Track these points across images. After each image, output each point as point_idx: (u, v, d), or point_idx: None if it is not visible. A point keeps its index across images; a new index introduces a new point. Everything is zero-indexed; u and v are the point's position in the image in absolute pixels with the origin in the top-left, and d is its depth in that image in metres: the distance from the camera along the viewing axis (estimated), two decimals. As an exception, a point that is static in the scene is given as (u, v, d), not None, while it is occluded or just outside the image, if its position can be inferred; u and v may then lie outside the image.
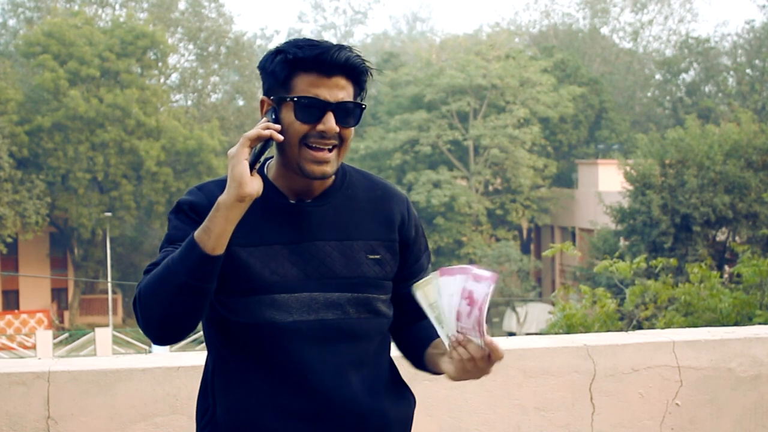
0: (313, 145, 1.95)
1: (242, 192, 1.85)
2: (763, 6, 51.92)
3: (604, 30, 52.82)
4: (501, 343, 3.39)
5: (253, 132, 1.89)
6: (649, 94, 48.52)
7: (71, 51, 36.06)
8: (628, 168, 26.59)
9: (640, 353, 3.37)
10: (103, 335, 27.13)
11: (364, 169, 2.19)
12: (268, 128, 1.90)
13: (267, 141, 1.91)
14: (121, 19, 39.64)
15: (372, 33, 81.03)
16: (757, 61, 43.54)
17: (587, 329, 8.40)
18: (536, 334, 19.96)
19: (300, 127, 1.94)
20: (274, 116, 1.95)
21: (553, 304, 9.86)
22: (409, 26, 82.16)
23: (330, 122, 1.94)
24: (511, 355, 3.28)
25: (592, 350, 3.34)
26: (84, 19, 38.53)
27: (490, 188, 39.28)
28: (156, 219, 37.77)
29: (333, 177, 2.06)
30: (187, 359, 3.12)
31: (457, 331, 1.89)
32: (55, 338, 28.56)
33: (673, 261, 10.24)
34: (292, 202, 2.02)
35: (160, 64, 39.76)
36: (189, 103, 43.07)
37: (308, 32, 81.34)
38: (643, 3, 53.32)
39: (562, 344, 3.38)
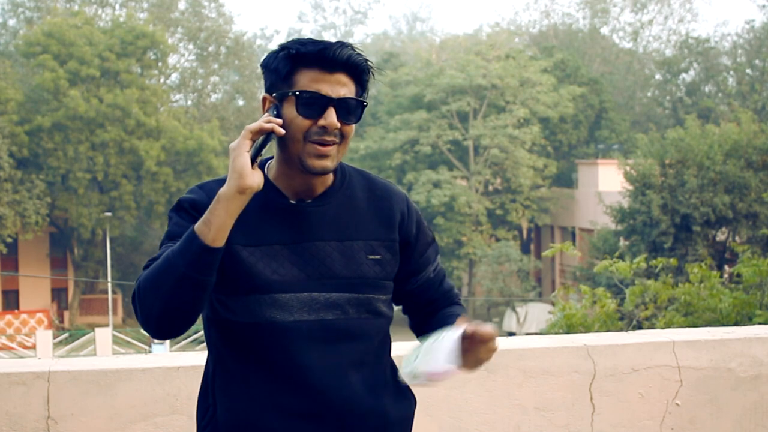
0: (315, 141, 1.95)
1: (243, 184, 1.85)
2: (763, 6, 51.94)
3: (604, 30, 52.84)
4: (501, 343, 3.39)
5: (255, 125, 1.89)
6: (649, 94, 48.53)
7: (71, 51, 36.07)
8: (628, 168, 26.59)
9: (640, 353, 3.37)
10: (103, 335, 27.14)
11: (364, 169, 2.19)
12: (270, 122, 1.91)
13: (268, 135, 1.91)
14: (121, 19, 39.65)
15: (372, 33, 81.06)
16: (757, 61, 43.55)
17: (587, 329, 8.40)
18: (536, 334, 19.96)
19: (302, 122, 1.94)
20: (275, 112, 1.96)
21: (553, 304, 9.86)
22: (409, 26, 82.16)
23: (332, 117, 1.94)
24: (511, 355, 3.28)
25: (592, 350, 3.34)
26: (84, 19, 38.53)
27: (490, 188, 39.29)
28: (156, 219, 37.77)
29: (333, 177, 2.06)
30: (187, 359, 3.12)
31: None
32: (55, 338, 28.57)
33: (673, 261, 10.24)
34: (292, 202, 2.02)
35: (160, 64, 39.77)
36: (189, 103, 43.09)
37: (308, 32, 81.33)
38: (643, 3, 53.32)
39: (562, 344, 3.38)
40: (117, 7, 43.80)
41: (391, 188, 2.14)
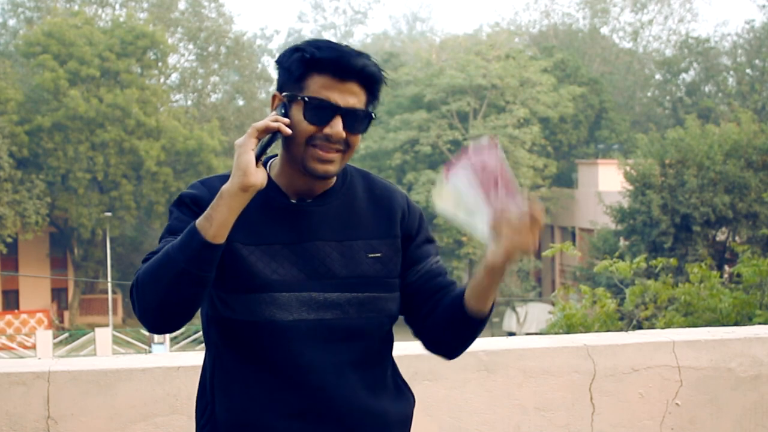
0: (318, 144, 1.95)
1: (246, 181, 1.85)
2: (763, 6, 51.94)
3: (604, 30, 52.84)
4: (501, 343, 3.39)
5: (262, 123, 1.89)
6: (649, 94, 48.53)
7: (71, 51, 36.07)
8: (628, 168, 26.59)
9: (640, 353, 3.37)
10: (103, 335, 27.15)
11: (364, 169, 2.18)
12: (277, 121, 1.90)
13: (275, 134, 1.91)
14: (121, 19, 39.65)
15: (372, 33, 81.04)
16: (757, 61, 43.55)
17: (587, 329, 8.40)
18: (536, 334, 19.96)
19: (307, 128, 1.94)
20: (283, 111, 1.95)
21: (553, 304, 9.85)
22: (409, 26, 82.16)
23: (337, 126, 1.93)
24: (511, 355, 3.28)
25: (592, 350, 3.34)
26: (84, 19, 38.53)
27: (490, 188, 39.24)
28: (156, 219, 37.77)
29: (335, 177, 2.06)
30: (187, 359, 3.12)
31: (494, 210, 1.87)
32: (55, 338, 28.58)
33: (673, 261, 10.23)
34: (293, 201, 2.02)
35: (160, 64, 39.77)
36: (189, 103, 43.09)
37: (308, 32, 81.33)
38: (643, 3, 53.33)
39: (562, 344, 3.38)
40: (117, 7, 43.81)
41: (391, 188, 2.14)
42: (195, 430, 2.12)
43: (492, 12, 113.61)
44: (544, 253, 10.44)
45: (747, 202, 24.71)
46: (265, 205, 1.98)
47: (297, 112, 1.95)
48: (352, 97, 1.95)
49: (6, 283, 38.56)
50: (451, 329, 2.05)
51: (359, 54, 1.95)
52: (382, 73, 1.99)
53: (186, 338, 29.71)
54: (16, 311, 34.34)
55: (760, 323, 7.63)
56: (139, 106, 36.25)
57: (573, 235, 37.30)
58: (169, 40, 40.58)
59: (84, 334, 30.06)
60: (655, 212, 24.95)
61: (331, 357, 2.00)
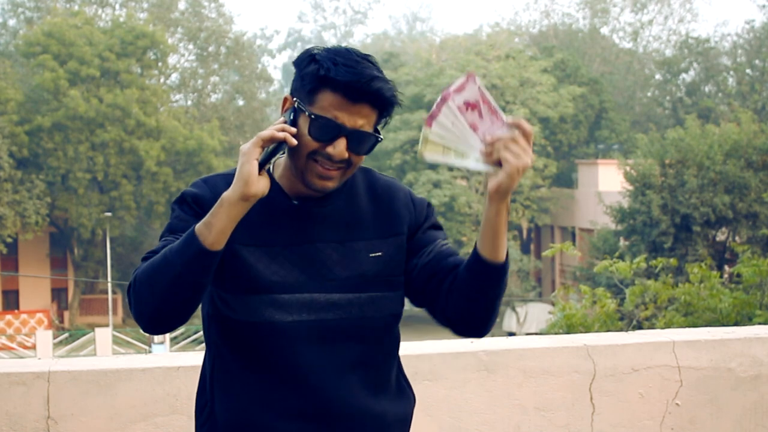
0: (320, 162, 1.94)
1: (247, 191, 1.84)
2: (763, 6, 51.92)
3: (604, 30, 52.83)
4: (501, 343, 3.39)
5: (268, 132, 1.87)
6: (649, 94, 48.52)
7: (71, 51, 36.07)
8: (628, 168, 26.60)
9: (640, 353, 3.37)
10: (103, 335, 27.16)
11: (365, 166, 2.16)
12: (283, 130, 1.89)
13: (280, 143, 1.89)
14: (121, 19, 39.65)
15: (372, 33, 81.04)
16: (757, 61, 43.54)
17: (587, 329, 8.40)
18: (536, 334, 19.96)
19: (311, 143, 1.92)
20: (292, 117, 1.94)
21: (553, 304, 9.86)
22: (409, 26, 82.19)
23: (340, 147, 1.92)
24: (511, 355, 3.28)
25: (592, 350, 3.34)
26: (84, 19, 38.53)
27: (490, 188, 39.27)
28: (156, 219, 37.78)
29: None
30: (187, 359, 3.12)
31: (483, 142, 1.88)
32: (55, 338, 28.59)
33: (673, 261, 10.24)
34: (295, 202, 2.02)
35: (160, 64, 39.78)
36: (189, 103, 43.08)
37: (308, 32, 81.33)
38: (643, 3, 53.33)
39: (562, 344, 3.38)
40: (117, 7, 43.80)
41: (393, 185, 2.13)
42: (194, 428, 2.11)
43: (492, 12, 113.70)
44: (544, 253, 10.45)
45: (747, 202, 24.72)
46: (266, 205, 1.97)
47: (303, 124, 1.93)
48: (361, 118, 1.93)
49: (6, 283, 38.57)
50: (473, 294, 1.97)
51: (375, 77, 1.92)
52: (397, 95, 1.97)
53: (186, 338, 29.72)
54: (16, 311, 34.34)
55: (760, 323, 7.63)
56: (139, 106, 36.25)
57: (573, 235, 37.30)
58: (169, 40, 40.58)
59: (84, 334, 30.07)
60: (655, 212, 24.95)
61: (331, 357, 2.00)
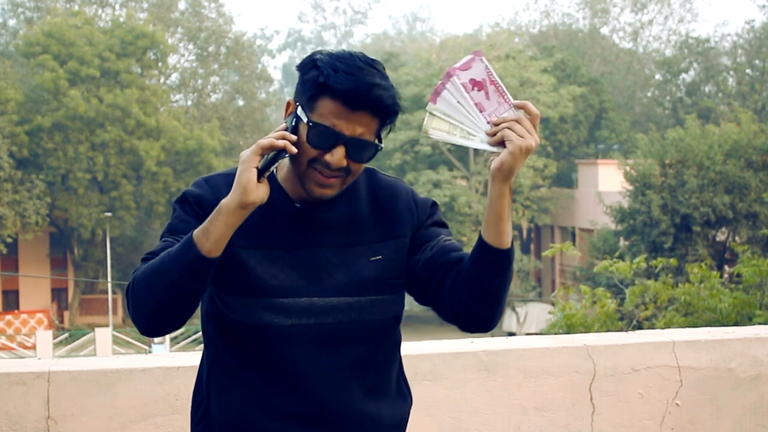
0: (319, 170, 1.93)
1: (245, 199, 1.84)
2: (763, 6, 51.91)
3: (604, 30, 52.82)
4: (501, 343, 3.40)
5: (267, 141, 1.86)
6: (649, 94, 48.52)
7: (71, 51, 36.07)
8: (628, 168, 26.60)
9: (640, 353, 3.37)
10: (103, 335, 27.16)
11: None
12: (283, 138, 1.88)
13: (280, 151, 1.88)
14: (121, 19, 39.65)
15: (372, 33, 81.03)
16: (757, 61, 43.55)
17: (587, 329, 8.40)
18: (536, 334, 19.96)
19: (309, 150, 1.92)
20: (294, 123, 1.93)
21: (553, 304, 9.86)
22: (409, 26, 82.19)
23: (338, 155, 1.91)
24: (511, 355, 3.28)
25: (592, 350, 3.34)
26: (84, 19, 38.53)
27: (490, 188, 39.27)
28: (156, 219, 37.78)
29: None
30: (187, 359, 3.12)
31: (489, 122, 1.88)
32: (55, 338, 28.59)
33: (673, 261, 10.25)
34: (297, 205, 2.01)
35: (160, 64, 39.78)
36: (189, 103, 43.08)
37: (308, 32, 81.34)
38: (643, 3, 53.32)
39: (562, 344, 3.38)
40: (117, 7, 43.79)
41: (395, 186, 2.11)
42: (190, 425, 2.11)
43: (492, 12, 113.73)
44: (544, 253, 10.45)
45: (747, 202, 24.72)
46: (268, 208, 1.96)
47: (303, 131, 1.92)
48: (360, 126, 1.91)
49: (6, 283, 38.57)
50: (479, 284, 1.94)
51: (375, 85, 1.90)
52: (398, 103, 1.95)
53: (186, 338, 29.72)
54: (16, 311, 34.34)
55: (760, 323, 7.63)
56: (139, 106, 36.25)
57: (573, 235, 37.30)
58: (169, 40, 40.58)
59: (84, 334, 30.07)
60: (655, 212, 24.95)
61: (330, 360, 1.99)
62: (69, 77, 35.85)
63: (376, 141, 1.95)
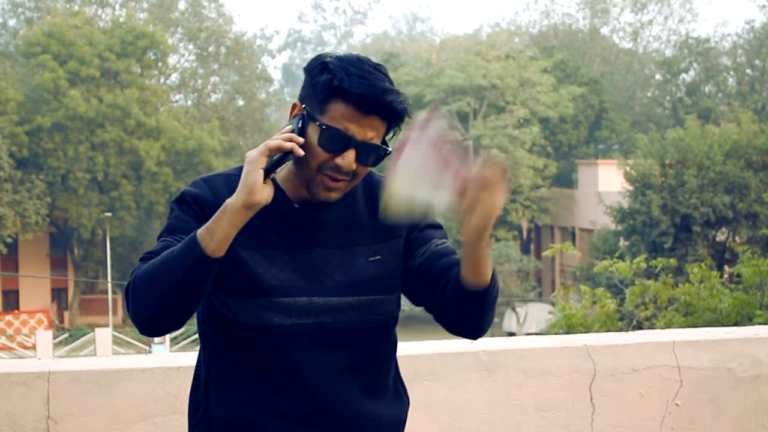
0: (327, 173, 1.93)
1: (251, 200, 1.84)
2: (763, 6, 51.93)
3: (604, 30, 52.84)
4: (501, 343, 3.39)
5: (275, 143, 1.87)
6: (649, 94, 48.53)
7: (71, 51, 36.07)
8: (628, 168, 26.61)
9: (640, 353, 3.37)
10: (103, 335, 27.16)
11: None
12: (291, 140, 1.88)
13: (287, 152, 1.88)
14: (121, 19, 39.65)
15: (372, 33, 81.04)
16: (757, 61, 43.55)
17: (587, 329, 8.40)
18: (536, 334, 19.96)
19: (320, 153, 1.92)
20: (300, 125, 1.93)
21: (553, 304, 9.85)
22: (409, 26, 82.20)
23: (349, 158, 1.92)
24: (511, 355, 3.28)
25: (592, 350, 3.34)
26: (84, 19, 38.53)
27: (490, 188, 39.26)
28: (156, 219, 37.77)
29: None
30: (187, 359, 3.11)
31: (455, 178, 1.80)
32: (55, 338, 28.59)
33: (673, 261, 10.24)
34: (296, 206, 2.01)
35: (160, 64, 39.78)
36: (189, 103, 43.08)
37: (308, 32, 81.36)
38: (643, 3, 53.34)
39: (562, 344, 3.38)
40: (117, 7, 43.80)
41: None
42: (188, 427, 2.11)
43: (492, 12, 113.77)
44: (544, 253, 10.45)
45: (747, 202, 24.72)
46: (268, 208, 1.95)
47: (313, 134, 1.92)
48: (371, 130, 1.93)
49: (6, 284, 38.57)
50: (461, 309, 1.97)
51: (388, 90, 1.91)
52: (408, 108, 1.96)
53: (186, 338, 29.72)
54: (16, 311, 34.34)
55: (760, 323, 7.63)
56: (139, 106, 36.25)
57: (573, 235, 37.31)
58: (169, 41, 40.58)
59: (84, 335, 30.07)
60: (655, 212, 24.96)
61: (329, 360, 2.00)
62: (69, 77, 35.85)
63: (384, 146, 1.96)
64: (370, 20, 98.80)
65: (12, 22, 44.49)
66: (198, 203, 1.99)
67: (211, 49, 42.73)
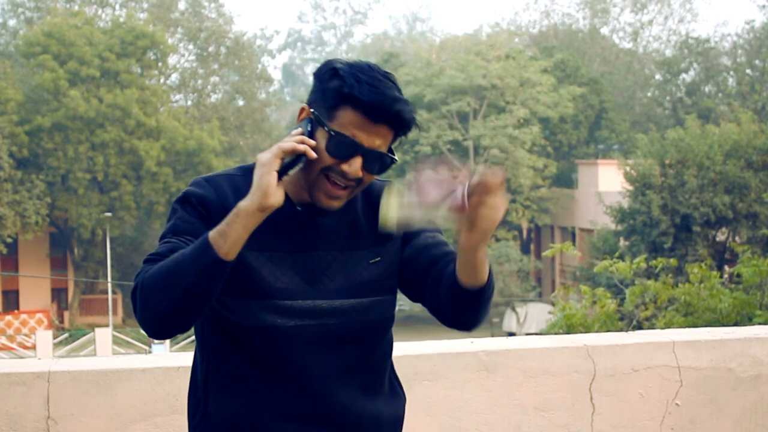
0: (332, 179, 1.94)
1: (266, 203, 1.83)
2: (763, 6, 51.95)
3: (604, 30, 52.85)
4: (501, 343, 3.40)
5: (289, 145, 1.87)
6: (649, 94, 48.54)
7: (71, 51, 36.07)
8: (628, 168, 26.61)
9: (640, 353, 3.37)
10: (103, 335, 27.16)
11: None
12: (303, 143, 1.88)
13: (299, 156, 1.89)
14: (121, 19, 39.66)
15: (372, 33, 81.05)
16: (757, 61, 43.56)
17: (587, 329, 8.39)
18: (536, 334, 19.96)
19: (327, 159, 1.92)
20: (309, 129, 1.93)
21: (553, 304, 9.85)
22: (409, 26, 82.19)
23: (355, 165, 1.92)
24: (511, 355, 3.28)
25: (592, 350, 3.34)
26: (84, 19, 38.54)
27: (490, 188, 39.27)
28: (156, 219, 37.78)
29: None
30: (187, 359, 3.11)
31: (455, 194, 1.81)
32: (55, 338, 28.60)
33: (673, 261, 10.23)
34: (298, 209, 2.01)
35: (160, 64, 39.79)
36: (189, 103, 43.09)
37: (308, 32, 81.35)
38: (643, 3, 53.34)
39: (562, 344, 3.38)
40: (117, 7, 43.82)
41: (385, 188, 2.12)
42: (188, 427, 2.10)
43: (492, 12, 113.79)
44: (544, 253, 10.44)
45: (747, 202, 24.72)
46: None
47: (321, 139, 1.92)
48: (378, 138, 1.93)
49: (6, 284, 38.57)
50: (457, 304, 1.98)
51: (397, 99, 1.93)
52: (415, 117, 1.97)
53: (186, 338, 29.71)
54: (16, 311, 34.35)
55: (760, 323, 7.63)
56: (139, 106, 36.25)
57: (573, 235, 37.31)
58: (169, 41, 40.58)
59: (84, 335, 30.08)
60: (655, 212, 24.96)
61: (331, 360, 2.00)
62: (69, 77, 35.85)
63: (390, 154, 1.97)
64: (370, 20, 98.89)
65: (12, 22, 44.51)
66: (202, 204, 1.98)
67: (211, 49, 42.74)
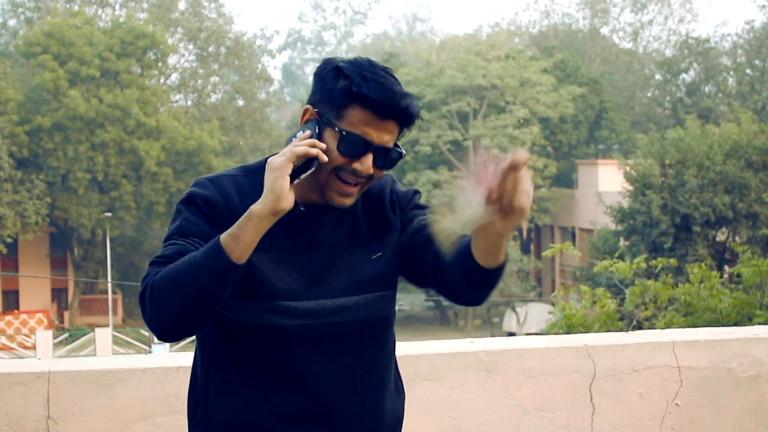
0: (343, 178, 1.94)
1: (279, 206, 1.83)
2: (763, 6, 51.94)
3: (604, 30, 52.86)
4: (501, 343, 3.40)
5: (301, 149, 1.86)
6: (649, 94, 48.54)
7: (71, 51, 36.07)
8: (628, 168, 26.61)
9: (640, 353, 3.37)
10: (103, 335, 27.16)
11: None
12: (314, 146, 1.89)
13: (311, 159, 1.89)
14: (121, 19, 39.66)
15: (372, 33, 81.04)
16: (757, 61, 43.56)
17: (587, 329, 8.39)
18: (536, 334, 19.96)
19: (338, 158, 1.93)
20: (317, 131, 1.94)
21: (553, 304, 9.85)
22: (409, 26, 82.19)
23: (367, 163, 1.93)
24: (511, 355, 3.28)
25: (592, 350, 3.34)
26: (84, 19, 38.54)
27: (490, 188, 39.27)
28: (156, 219, 37.78)
29: None
30: (187, 359, 3.11)
31: (485, 187, 1.78)
32: (55, 338, 28.60)
33: (673, 261, 10.23)
34: (302, 209, 2.01)
35: (160, 64, 39.78)
36: (189, 103, 43.08)
37: (308, 32, 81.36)
38: (643, 3, 53.34)
39: (562, 344, 3.38)
40: (117, 7, 43.81)
41: (381, 184, 2.12)
42: (188, 427, 2.10)
43: (492, 12, 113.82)
44: (544, 253, 10.44)
45: (747, 202, 24.72)
46: None
47: (330, 139, 1.93)
48: (387, 134, 1.94)
49: (6, 284, 38.57)
50: (472, 284, 1.97)
51: (404, 94, 1.94)
52: (420, 111, 1.99)
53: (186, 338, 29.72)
54: (16, 311, 34.34)
55: (760, 323, 7.63)
56: (139, 106, 36.25)
57: (573, 235, 37.31)
58: (169, 41, 40.58)
59: (84, 335, 30.08)
60: (655, 212, 24.96)
61: (336, 360, 2.01)
62: (69, 77, 35.85)
63: (397, 148, 1.98)
64: (370, 20, 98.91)
65: (12, 22, 44.51)
66: (208, 205, 1.98)
67: (211, 49, 42.73)
